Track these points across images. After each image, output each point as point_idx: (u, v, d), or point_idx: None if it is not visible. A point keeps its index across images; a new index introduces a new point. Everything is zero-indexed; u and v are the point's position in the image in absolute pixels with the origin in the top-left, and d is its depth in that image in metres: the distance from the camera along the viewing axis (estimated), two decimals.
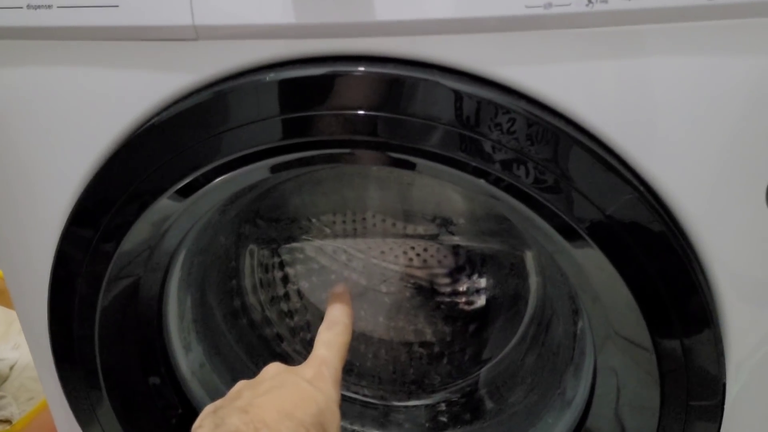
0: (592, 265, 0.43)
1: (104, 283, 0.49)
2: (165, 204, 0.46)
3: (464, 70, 0.41)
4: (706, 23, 0.39)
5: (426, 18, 0.40)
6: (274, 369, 0.44)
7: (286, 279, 0.74)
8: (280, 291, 0.74)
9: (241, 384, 0.43)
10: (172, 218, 0.48)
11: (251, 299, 0.71)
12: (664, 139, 0.42)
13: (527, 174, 0.41)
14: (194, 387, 0.59)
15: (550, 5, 0.38)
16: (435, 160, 0.42)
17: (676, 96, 0.41)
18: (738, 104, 0.41)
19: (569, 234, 0.42)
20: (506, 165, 0.41)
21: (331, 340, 0.47)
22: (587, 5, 0.38)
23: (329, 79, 0.42)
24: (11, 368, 1.20)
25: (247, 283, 0.71)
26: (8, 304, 1.28)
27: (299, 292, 0.75)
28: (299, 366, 0.45)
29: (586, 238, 0.41)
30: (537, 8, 0.39)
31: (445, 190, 0.66)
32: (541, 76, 0.41)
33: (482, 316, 0.74)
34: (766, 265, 0.45)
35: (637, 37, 0.40)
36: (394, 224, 0.70)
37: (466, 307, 0.74)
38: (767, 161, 0.42)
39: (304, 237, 0.71)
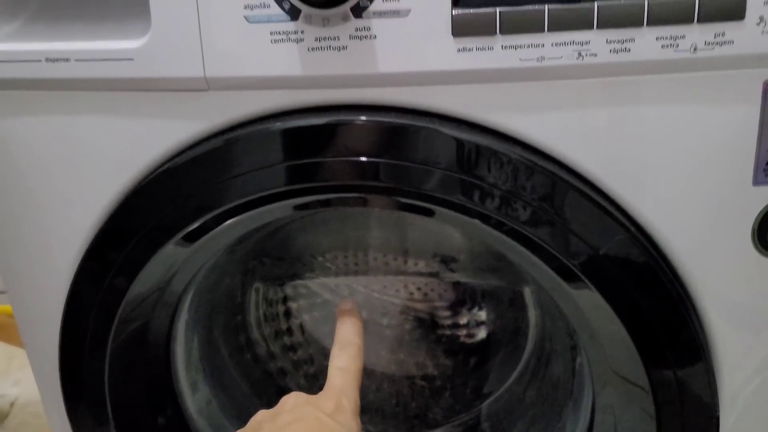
0: (588, 303, 0.45)
1: (114, 325, 0.51)
2: (174, 248, 0.48)
3: (463, 118, 0.44)
4: (692, 74, 0.41)
5: (426, 70, 0.42)
6: (293, 400, 0.44)
7: (288, 313, 0.75)
8: (283, 325, 0.75)
9: (260, 415, 0.44)
10: (182, 261, 0.50)
11: (256, 334, 0.73)
12: (654, 183, 0.44)
13: (524, 216, 0.43)
14: (201, 425, 0.60)
15: (542, 58, 0.41)
16: (435, 204, 0.44)
17: (665, 142, 0.43)
18: (723, 149, 0.43)
19: (566, 274, 0.44)
20: (504, 208, 0.43)
21: (346, 366, 0.46)
22: (577, 58, 0.41)
23: (333, 128, 0.44)
24: (12, 404, 1.20)
25: (252, 318, 0.72)
26: (8, 340, 1.28)
27: (302, 326, 0.76)
28: (318, 396, 0.44)
29: (584, 279, 0.43)
30: (530, 61, 0.41)
31: (446, 229, 0.68)
32: (537, 123, 0.43)
33: (483, 349, 0.75)
34: (753, 298, 0.46)
35: (627, 87, 0.42)
36: (395, 260, 0.71)
37: (467, 341, 0.76)
38: (752, 202, 0.44)
39: (308, 275, 0.72)
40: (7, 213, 0.52)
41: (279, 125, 0.44)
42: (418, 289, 0.74)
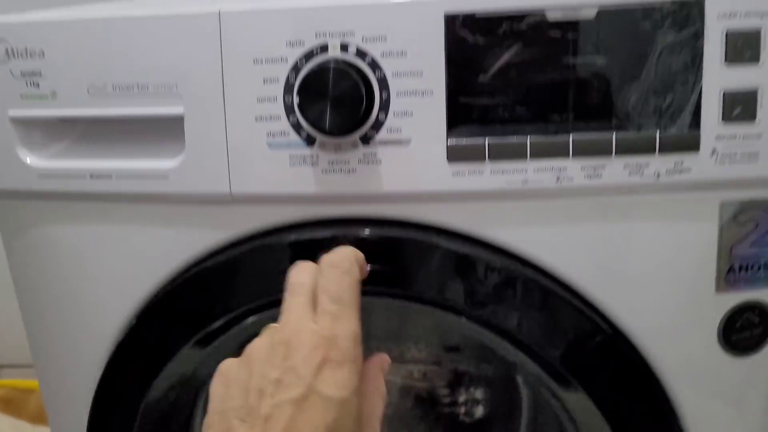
0: (573, 398, 0.50)
1: (140, 413, 0.55)
2: (192, 348, 0.53)
3: (457, 231, 0.49)
4: (657, 196, 0.47)
5: (425, 190, 0.48)
6: (278, 370, 0.38)
7: None
8: None
9: (250, 372, 0.39)
10: (202, 357, 0.55)
11: None
12: (629, 289, 0.49)
13: (512, 320, 0.49)
14: None
15: (526, 182, 0.47)
16: (434, 306, 0.49)
17: (638, 254, 0.49)
18: (689, 260, 0.49)
19: (554, 375, 0.49)
20: (495, 312, 0.49)
21: (339, 290, 0.41)
22: (556, 182, 0.47)
23: (341, 240, 0.50)
24: None
25: None
26: (16, 414, 1.30)
27: None
28: (307, 351, 0.38)
29: (566, 375, 0.48)
30: (516, 184, 0.47)
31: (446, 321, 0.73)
32: (523, 236, 0.49)
33: (481, 428, 0.78)
34: (722, 391, 0.51)
35: (601, 206, 0.48)
36: (398, 348, 0.76)
37: (466, 419, 0.79)
38: (716, 306, 0.49)
39: None
40: (45, 305, 0.57)
41: (294, 237, 0.50)
42: (418, 369, 0.78)
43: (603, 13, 0.45)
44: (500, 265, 0.49)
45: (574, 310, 0.49)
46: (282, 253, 0.51)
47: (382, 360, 0.44)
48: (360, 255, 0.44)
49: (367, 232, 0.50)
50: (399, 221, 0.50)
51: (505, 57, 0.46)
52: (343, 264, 0.42)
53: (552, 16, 0.45)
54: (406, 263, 0.50)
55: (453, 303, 0.49)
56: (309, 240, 0.50)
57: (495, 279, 0.49)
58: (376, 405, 0.41)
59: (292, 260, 0.50)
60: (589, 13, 0.45)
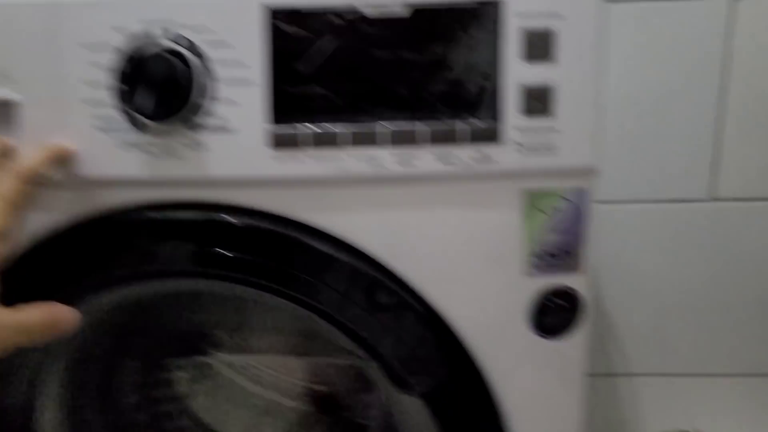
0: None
1: None
2: None
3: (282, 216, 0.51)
4: (467, 186, 0.50)
5: (249, 175, 0.50)
6: None
7: (174, 396, 0.78)
8: (168, 408, 0.78)
9: None
10: None
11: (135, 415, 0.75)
12: (444, 273, 0.52)
13: (333, 302, 0.51)
14: None
15: (343, 168, 0.49)
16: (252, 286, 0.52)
17: (449, 239, 0.51)
18: (497, 247, 0.51)
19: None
20: (312, 292, 0.51)
21: (9, 193, 0.49)
22: (371, 169, 0.49)
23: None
24: None
25: (131, 399, 0.75)
26: None
27: (189, 411, 0.78)
28: None
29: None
30: (334, 170, 0.49)
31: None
32: (344, 222, 0.51)
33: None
34: (539, 375, 0.54)
35: (415, 194, 0.50)
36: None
37: (363, 422, 0.80)
38: (524, 290, 0.52)
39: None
40: None
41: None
42: (319, 374, 0.78)
43: (415, 12, 0.48)
44: (362, 269, 0.51)
45: (395, 294, 0.51)
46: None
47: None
48: (53, 154, 0.50)
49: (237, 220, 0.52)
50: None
51: (324, 51, 0.48)
52: (26, 175, 0.50)
53: (368, 12, 0.48)
54: (233, 247, 0.51)
55: (272, 285, 0.51)
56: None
57: (313, 262, 0.51)
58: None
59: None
60: (402, 11, 0.48)
